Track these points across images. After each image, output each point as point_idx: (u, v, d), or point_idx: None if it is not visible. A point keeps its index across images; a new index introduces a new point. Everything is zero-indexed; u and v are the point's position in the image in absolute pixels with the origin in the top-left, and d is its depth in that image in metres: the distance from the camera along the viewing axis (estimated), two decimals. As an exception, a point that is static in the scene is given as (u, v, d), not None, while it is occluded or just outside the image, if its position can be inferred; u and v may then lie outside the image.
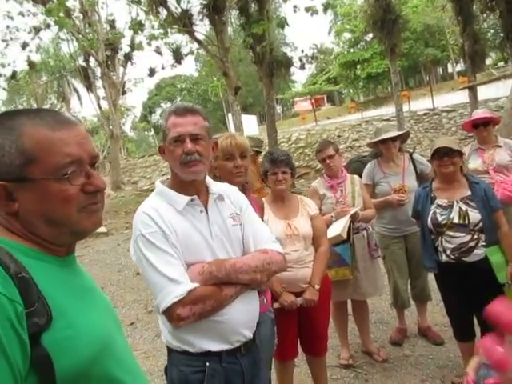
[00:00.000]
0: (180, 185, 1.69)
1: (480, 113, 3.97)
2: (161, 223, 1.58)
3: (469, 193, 2.91)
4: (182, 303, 1.50)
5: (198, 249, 1.62)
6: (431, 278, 3.45)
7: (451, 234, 2.87)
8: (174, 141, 1.64)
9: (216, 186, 1.77)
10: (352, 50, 42.79)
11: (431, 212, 2.96)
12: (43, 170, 0.90)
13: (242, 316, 1.64)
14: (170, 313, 1.51)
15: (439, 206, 2.95)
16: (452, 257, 2.88)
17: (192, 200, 1.66)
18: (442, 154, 2.90)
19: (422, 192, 3.11)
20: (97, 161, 1.00)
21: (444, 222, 2.89)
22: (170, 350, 1.70)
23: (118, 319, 1.13)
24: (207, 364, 1.60)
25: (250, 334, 1.69)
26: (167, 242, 1.56)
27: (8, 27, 19.46)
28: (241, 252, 1.72)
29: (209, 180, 1.78)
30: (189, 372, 1.62)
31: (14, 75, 21.67)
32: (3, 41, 19.79)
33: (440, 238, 2.93)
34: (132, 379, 1.00)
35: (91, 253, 9.21)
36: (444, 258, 2.91)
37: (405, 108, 16.53)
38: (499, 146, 3.81)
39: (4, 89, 23.17)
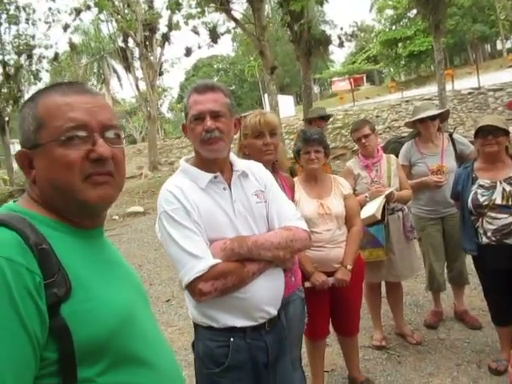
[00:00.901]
0: (203, 163, 1.69)
1: None
2: (183, 200, 1.59)
3: (514, 173, 2.79)
4: (204, 278, 1.51)
5: (220, 226, 1.62)
6: (469, 261, 3.34)
7: (493, 215, 2.78)
8: (195, 119, 1.64)
9: (240, 163, 1.76)
10: (394, 28, 41.42)
11: (472, 192, 2.86)
12: (48, 134, 0.91)
13: (266, 293, 1.64)
14: (192, 288, 1.54)
15: (481, 186, 2.85)
16: (493, 238, 2.79)
17: (215, 177, 1.66)
18: (486, 133, 2.79)
19: (462, 172, 3.01)
20: (108, 130, 0.97)
21: (486, 202, 2.79)
22: (196, 326, 1.72)
23: (146, 295, 1.13)
24: (231, 339, 1.61)
25: (274, 311, 1.69)
26: (189, 218, 1.58)
27: (50, 9, 19.95)
28: (265, 229, 1.71)
29: (233, 157, 1.77)
30: (214, 346, 1.64)
31: (56, 57, 22.24)
32: (46, 23, 20.31)
33: (481, 220, 2.84)
34: (153, 355, 0.99)
35: (129, 231, 9.49)
36: (484, 239, 2.83)
37: (448, 87, 15.88)
38: None
39: (47, 70, 23.84)
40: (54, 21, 20.22)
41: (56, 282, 0.83)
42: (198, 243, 1.56)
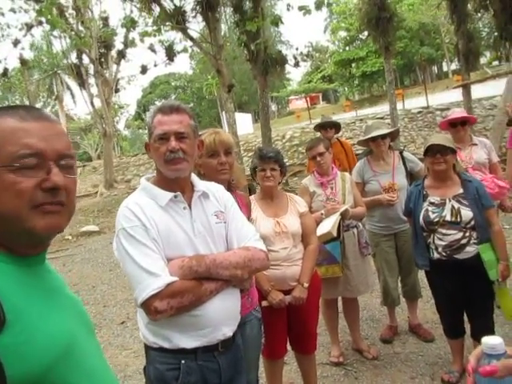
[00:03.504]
0: (164, 182, 1.69)
1: (458, 112, 3.97)
2: (142, 217, 1.58)
3: (461, 191, 2.91)
4: (160, 296, 1.49)
5: (179, 244, 1.62)
6: (422, 275, 3.44)
7: (443, 231, 2.87)
8: (159, 138, 1.65)
9: (201, 184, 1.77)
10: (347, 49, 42.94)
11: (423, 209, 2.95)
12: (0, 159, 0.87)
13: (221, 312, 1.63)
14: (147, 305, 1.51)
15: (431, 203, 2.94)
16: (444, 254, 2.87)
17: (175, 196, 1.66)
18: (434, 152, 2.90)
19: (414, 190, 3.10)
20: (63, 159, 0.94)
21: (436, 219, 2.88)
22: (147, 348, 1.69)
23: (90, 323, 1.08)
24: (182, 362, 1.59)
25: (229, 333, 1.68)
26: (148, 236, 1.56)
27: (-1, 24, 19.29)
28: (224, 249, 1.72)
29: (194, 178, 1.78)
30: (164, 369, 1.61)
31: (5, 73, 21.45)
32: (-6, 37, 19.58)
33: (432, 236, 2.92)
34: None
35: (83, 251, 9.15)
36: (436, 255, 2.91)
37: (399, 106, 16.53)
38: (475, 145, 3.81)
39: (-5, 86, 22.95)
40: (3, 36, 19.53)
41: None
42: (155, 261, 1.54)
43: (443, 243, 2.87)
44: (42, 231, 0.90)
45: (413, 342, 3.64)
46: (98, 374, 0.98)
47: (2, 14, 18.23)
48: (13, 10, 17.83)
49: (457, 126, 3.76)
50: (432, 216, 2.90)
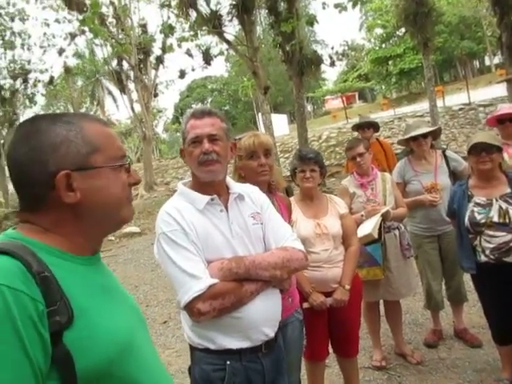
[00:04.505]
0: (200, 185, 1.72)
1: (507, 107, 3.80)
2: (181, 221, 1.62)
3: (509, 190, 2.79)
4: (203, 298, 1.52)
5: (218, 247, 1.64)
6: (467, 277, 3.33)
7: (491, 233, 2.75)
8: (193, 142, 1.69)
9: (236, 186, 1.79)
10: (384, 46, 42.12)
11: (469, 210, 2.84)
12: (106, 159, 0.98)
13: (263, 313, 1.64)
14: (190, 308, 1.54)
15: (477, 204, 2.83)
16: (492, 257, 2.76)
17: (212, 199, 1.69)
18: (479, 150, 2.79)
19: (458, 190, 3.00)
20: None
21: (483, 220, 2.77)
22: (192, 348, 1.72)
23: (144, 319, 1.13)
24: (228, 363, 1.62)
25: (271, 333, 1.69)
26: (187, 239, 1.60)
27: (45, 34, 20.18)
28: (262, 250, 1.73)
29: (229, 180, 1.81)
30: (210, 370, 1.64)
31: (51, 81, 22.42)
32: (41, 47, 20.54)
33: (478, 238, 2.81)
34: (152, 382, 0.99)
35: (126, 252, 9.43)
36: (483, 258, 2.80)
37: (439, 104, 16.08)
38: None
39: (42, 94, 23.99)
40: (49, 45, 20.45)
41: (58, 309, 0.83)
42: (196, 264, 1.57)
43: (491, 245, 2.76)
44: (129, 219, 1.06)
45: (459, 347, 3.52)
46: (155, 368, 1.03)
47: (48, 25, 19.10)
48: (57, 21, 18.66)
49: (505, 122, 3.62)
50: (478, 217, 2.80)
